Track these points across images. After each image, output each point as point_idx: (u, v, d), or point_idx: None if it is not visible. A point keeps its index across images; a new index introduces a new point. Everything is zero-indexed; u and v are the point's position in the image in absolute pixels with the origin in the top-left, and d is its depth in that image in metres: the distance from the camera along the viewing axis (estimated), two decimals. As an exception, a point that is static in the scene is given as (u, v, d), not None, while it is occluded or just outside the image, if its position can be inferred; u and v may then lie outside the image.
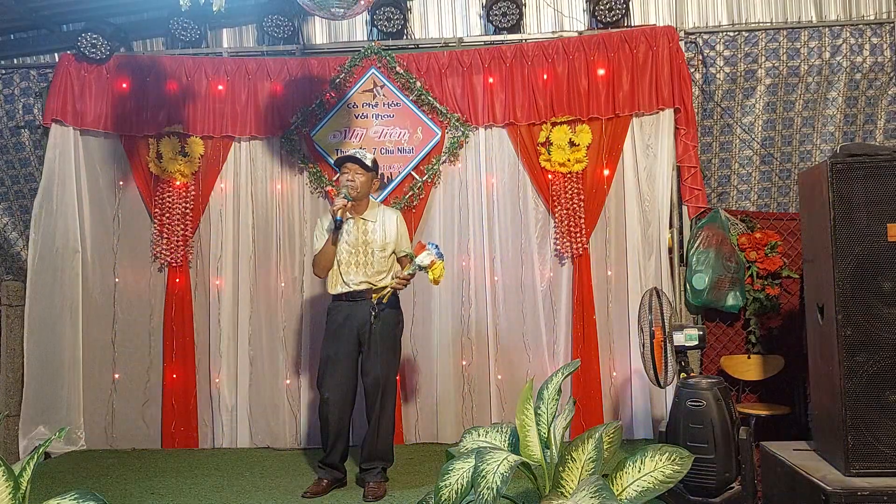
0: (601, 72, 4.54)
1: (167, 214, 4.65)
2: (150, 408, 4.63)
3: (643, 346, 3.43)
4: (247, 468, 4.10)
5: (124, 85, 4.70)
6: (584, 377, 4.45)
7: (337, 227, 3.46)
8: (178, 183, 4.66)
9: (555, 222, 4.55)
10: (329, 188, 4.48)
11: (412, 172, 4.63)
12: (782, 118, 4.70)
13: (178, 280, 4.64)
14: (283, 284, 4.66)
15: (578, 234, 4.50)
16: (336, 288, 3.59)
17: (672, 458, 2.20)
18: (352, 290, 3.55)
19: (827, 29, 4.61)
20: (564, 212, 4.52)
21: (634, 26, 4.75)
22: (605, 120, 4.55)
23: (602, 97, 4.53)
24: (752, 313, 4.38)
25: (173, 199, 4.66)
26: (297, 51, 4.84)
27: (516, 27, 4.74)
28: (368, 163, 3.58)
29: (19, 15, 4.66)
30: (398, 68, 4.63)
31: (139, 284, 4.71)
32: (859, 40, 4.59)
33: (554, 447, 2.37)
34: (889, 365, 2.71)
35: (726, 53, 4.65)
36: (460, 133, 4.61)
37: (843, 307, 2.75)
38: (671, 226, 4.58)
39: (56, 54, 4.88)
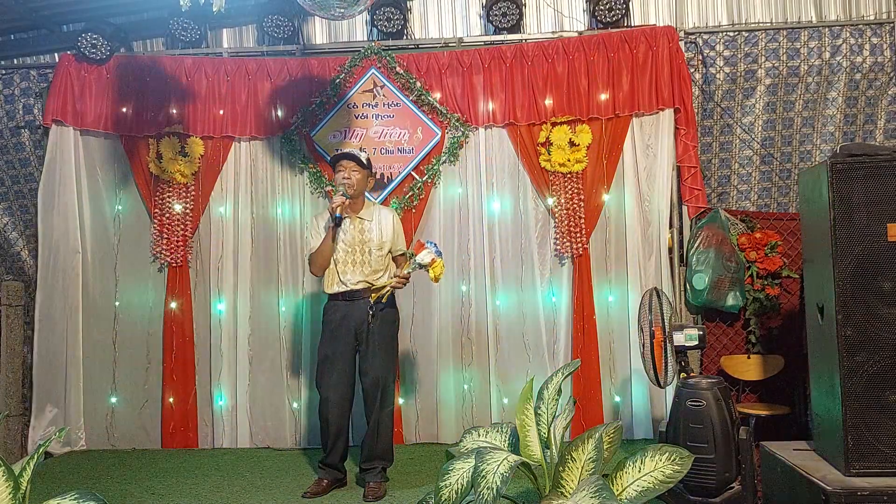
0: (601, 72, 4.54)
1: (167, 214, 4.66)
2: (150, 408, 4.63)
3: (643, 346, 3.43)
4: (247, 468, 4.10)
5: (124, 85, 4.70)
6: (584, 377, 4.45)
7: (336, 223, 3.46)
8: (178, 183, 4.67)
9: (555, 222, 4.56)
10: (329, 189, 4.49)
11: (412, 172, 4.63)
12: (782, 118, 4.70)
13: (178, 280, 4.64)
14: (282, 284, 4.66)
15: (578, 234, 4.50)
16: (333, 287, 3.59)
17: (672, 458, 2.20)
18: (349, 289, 3.55)
19: (827, 29, 4.61)
20: (564, 212, 4.52)
21: (634, 26, 4.75)
22: (605, 120, 4.55)
23: (602, 97, 4.54)
24: (752, 313, 4.38)
25: (173, 199, 4.66)
26: (297, 51, 4.85)
27: (516, 27, 4.75)
28: (363, 158, 3.59)
29: (19, 15, 4.67)
30: (398, 68, 4.63)
31: (139, 284, 4.71)
32: (859, 40, 4.59)
33: (554, 447, 2.37)
34: (889, 365, 2.71)
35: (726, 53, 4.65)
36: (460, 133, 4.61)
37: (843, 307, 2.75)
38: (671, 226, 4.59)
39: (56, 54, 4.88)
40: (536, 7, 4.94)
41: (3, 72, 4.85)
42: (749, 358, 4.37)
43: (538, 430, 2.38)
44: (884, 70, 4.59)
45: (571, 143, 4.53)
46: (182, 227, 4.65)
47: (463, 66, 4.63)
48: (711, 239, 4.34)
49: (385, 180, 4.64)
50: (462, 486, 2.18)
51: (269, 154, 4.73)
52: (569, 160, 4.51)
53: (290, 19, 4.75)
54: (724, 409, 3.08)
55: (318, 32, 5.05)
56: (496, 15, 4.67)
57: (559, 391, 2.50)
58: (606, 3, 4.62)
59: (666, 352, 3.33)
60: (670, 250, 4.56)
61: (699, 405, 3.08)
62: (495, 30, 4.77)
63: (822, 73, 4.61)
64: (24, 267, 4.87)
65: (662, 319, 3.34)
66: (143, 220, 4.75)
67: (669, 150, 4.53)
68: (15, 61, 5.05)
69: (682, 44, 4.57)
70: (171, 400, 4.59)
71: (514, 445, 2.47)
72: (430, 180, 4.62)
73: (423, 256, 3.42)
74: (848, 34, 4.59)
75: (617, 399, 4.53)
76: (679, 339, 3.34)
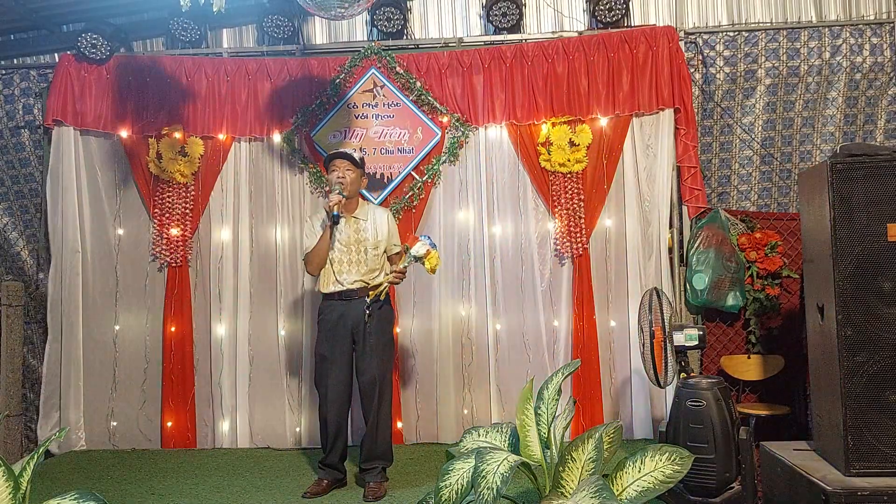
0: (601, 72, 4.54)
1: (167, 214, 4.66)
2: (150, 408, 4.63)
3: (643, 346, 3.43)
4: (247, 468, 4.10)
5: (124, 85, 4.70)
6: (584, 377, 4.45)
7: (334, 221, 3.47)
8: (178, 183, 4.67)
9: (555, 222, 4.56)
10: (328, 189, 4.49)
11: (412, 172, 4.63)
12: (782, 118, 4.70)
13: (177, 280, 4.64)
14: (282, 284, 4.66)
15: (578, 234, 4.50)
16: (329, 287, 3.58)
17: (672, 458, 2.20)
18: (346, 288, 3.55)
19: (827, 29, 4.61)
20: (564, 212, 4.52)
21: (634, 26, 4.75)
22: (605, 120, 4.55)
23: (602, 97, 4.54)
24: (752, 313, 4.38)
25: (173, 199, 4.66)
26: (297, 51, 4.85)
27: (516, 27, 4.75)
28: (356, 157, 3.61)
29: (19, 15, 4.67)
30: (398, 68, 4.63)
31: (139, 284, 4.71)
32: (859, 40, 4.59)
33: (554, 447, 2.37)
34: (889, 365, 2.71)
35: (726, 53, 4.65)
36: (460, 133, 4.61)
37: (843, 307, 2.75)
38: (671, 226, 4.58)
39: (56, 54, 4.88)
40: (536, 7, 4.94)
41: (3, 72, 4.85)
42: (749, 358, 4.37)
43: (538, 430, 2.38)
44: (884, 70, 4.59)
45: (571, 143, 4.53)
46: (182, 227, 4.65)
47: (463, 66, 4.63)
48: (711, 239, 4.34)
49: (385, 180, 4.64)
50: (462, 486, 2.18)
51: (269, 154, 4.73)
52: (569, 160, 4.51)
53: (290, 19, 4.75)
54: (724, 409, 3.08)
55: (318, 32, 5.05)
56: (496, 15, 4.67)
57: (559, 391, 2.50)
58: (606, 3, 4.62)
59: (666, 352, 3.33)
60: (670, 250, 4.56)
61: (699, 405, 3.08)
62: (495, 30, 4.77)
63: (822, 73, 4.61)
64: (24, 267, 4.87)
65: (662, 319, 3.34)
66: (143, 220, 4.75)
67: (669, 150, 4.53)
68: (15, 61, 5.05)
69: (682, 44, 4.57)
70: (170, 400, 4.58)
71: (514, 445, 2.47)
72: (430, 180, 4.62)
73: (418, 248, 3.44)
74: (848, 34, 4.59)
75: (617, 399, 4.52)
76: (679, 339, 3.34)
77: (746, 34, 4.64)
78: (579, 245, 4.50)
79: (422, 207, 4.61)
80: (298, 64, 4.70)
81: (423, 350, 4.59)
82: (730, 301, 4.30)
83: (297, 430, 4.58)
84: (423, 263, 3.48)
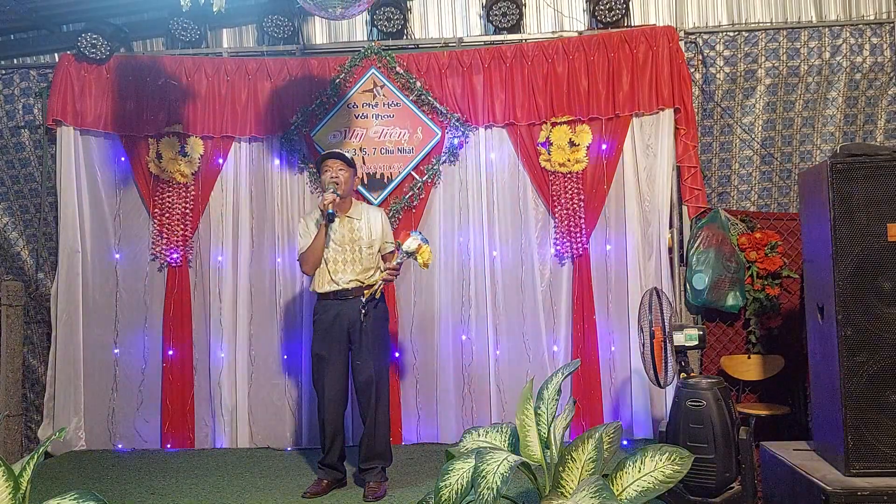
0: (601, 72, 4.54)
1: (167, 214, 4.66)
2: (150, 408, 4.63)
3: (643, 346, 3.43)
4: (247, 468, 4.10)
5: (124, 85, 4.70)
6: (584, 377, 4.45)
7: (329, 220, 3.47)
8: (178, 183, 4.67)
9: (555, 222, 4.56)
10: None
11: (412, 172, 4.63)
12: (782, 118, 4.70)
13: (177, 280, 4.64)
14: (282, 284, 4.66)
15: (578, 234, 4.50)
16: (324, 287, 3.58)
17: (672, 458, 2.20)
18: (341, 288, 3.55)
19: (827, 29, 4.61)
20: (564, 212, 4.52)
21: (634, 26, 4.75)
22: (605, 120, 4.55)
23: (602, 97, 4.54)
24: (752, 313, 4.38)
25: (173, 199, 4.66)
26: (297, 51, 4.85)
27: (516, 27, 4.75)
28: (348, 157, 3.62)
29: (19, 15, 4.67)
30: (398, 68, 4.63)
31: (139, 284, 4.71)
32: (859, 40, 4.59)
33: (554, 447, 2.37)
34: (889, 365, 2.71)
35: (726, 53, 4.65)
36: (460, 133, 4.61)
37: (843, 307, 2.75)
38: (671, 226, 4.58)
39: (56, 54, 4.88)
40: (536, 7, 4.94)
41: (3, 72, 4.85)
42: (749, 358, 4.37)
43: (538, 430, 2.38)
44: (884, 70, 4.59)
45: (571, 143, 4.53)
46: (182, 227, 4.65)
47: (463, 66, 4.63)
48: (711, 239, 4.34)
49: (385, 180, 4.64)
50: (462, 486, 2.18)
51: (269, 154, 4.73)
52: (569, 160, 4.51)
53: (290, 19, 4.75)
54: (724, 409, 3.08)
55: (318, 32, 5.05)
56: (496, 15, 4.67)
57: (559, 391, 2.50)
58: (606, 3, 4.62)
59: (666, 352, 3.33)
60: (670, 250, 4.56)
61: (699, 405, 3.08)
62: (495, 30, 4.77)
63: (822, 73, 4.61)
64: (24, 267, 4.87)
65: (662, 319, 3.34)
66: (143, 220, 4.75)
67: (669, 150, 4.52)
68: (15, 61, 5.05)
69: (682, 44, 4.57)
70: (170, 400, 4.58)
71: (514, 445, 2.47)
72: (430, 180, 4.62)
73: (409, 243, 3.46)
74: (848, 34, 4.59)
75: (617, 399, 4.52)
76: (679, 339, 3.34)
77: (746, 34, 4.64)
78: (579, 245, 4.50)
79: (422, 207, 4.61)
80: (298, 64, 4.70)
81: (423, 350, 4.59)
82: (730, 301, 4.30)
83: (297, 430, 4.58)
84: (416, 258, 3.49)
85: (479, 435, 2.58)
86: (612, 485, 2.18)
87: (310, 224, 3.65)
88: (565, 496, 2.17)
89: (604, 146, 4.55)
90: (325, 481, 3.58)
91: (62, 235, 4.63)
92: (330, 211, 3.45)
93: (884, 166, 2.76)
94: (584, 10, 4.90)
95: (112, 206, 4.75)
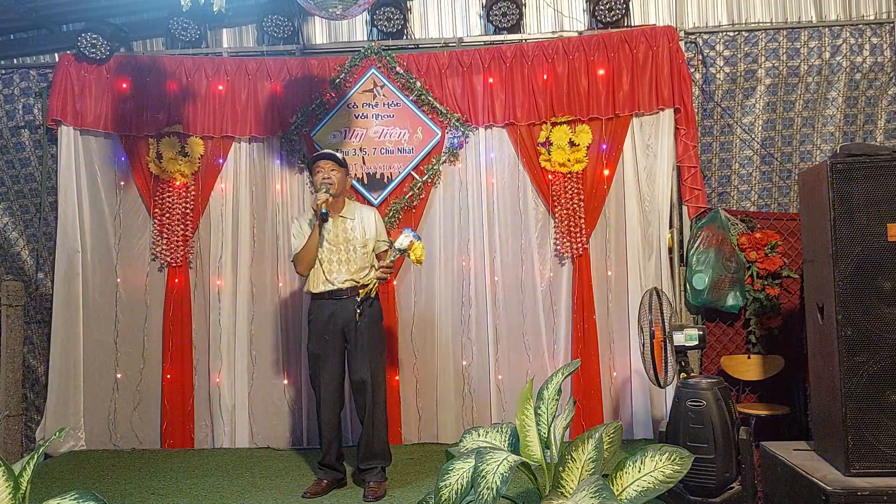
0: (601, 72, 4.54)
1: (167, 214, 4.66)
2: (150, 408, 4.63)
3: (643, 346, 3.43)
4: (247, 468, 4.10)
5: (124, 85, 4.71)
6: (584, 377, 4.45)
7: (323, 220, 3.48)
8: (178, 183, 4.67)
9: (555, 222, 4.56)
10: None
11: (412, 172, 4.63)
12: (782, 118, 4.70)
13: (177, 280, 4.65)
14: (282, 284, 4.66)
15: (578, 234, 4.50)
16: (319, 287, 3.58)
17: (672, 458, 2.20)
18: (336, 287, 3.55)
19: (827, 29, 4.61)
20: (564, 212, 4.52)
21: (634, 26, 4.75)
22: (605, 120, 4.55)
23: (602, 97, 4.53)
24: (752, 313, 4.38)
25: (173, 199, 4.66)
26: (297, 51, 4.84)
27: (516, 27, 4.75)
28: (339, 157, 3.62)
29: (19, 15, 4.67)
30: (398, 68, 4.63)
31: (139, 284, 4.71)
32: (859, 40, 4.59)
33: (554, 447, 2.37)
34: (889, 365, 2.71)
35: (726, 53, 4.65)
36: (460, 133, 4.61)
37: (843, 307, 2.75)
38: (671, 226, 4.58)
39: (56, 54, 4.87)
40: (536, 7, 4.94)
41: (3, 72, 4.85)
42: (749, 358, 4.37)
43: (538, 430, 2.38)
44: (884, 70, 4.59)
45: (571, 143, 4.53)
46: (182, 227, 4.65)
47: (463, 66, 4.63)
48: (711, 239, 4.34)
49: (385, 180, 4.64)
50: (462, 486, 2.18)
51: (269, 154, 4.73)
52: (569, 160, 4.51)
53: (290, 19, 4.75)
54: (724, 409, 3.08)
55: (318, 32, 5.05)
56: (496, 15, 4.67)
57: (559, 391, 2.50)
58: (606, 3, 4.62)
59: (666, 352, 3.33)
60: (670, 250, 4.56)
61: (699, 405, 3.07)
62: (495, 30, 4.77)
63: (822, 73, 4.61)
64: (24, 267, 4.87)
65: (662, 319, 3.34)
66: (143, 220, 4.75)
67: (669, 150, 4.53)
68: (15, 61, 5.05)
69: (682, 44, 4.57)
70: (170, 400, 4.58)
71: (514, 445, 2.47)
72: (430, 180, 4.62)
73: (401, 241, 3.47)
74: (848, 34, 4.59)
75: (617, 399, 4.52)
76: (679, 339, 3.34)
77: (746, 34, 4.64)
78: (579, 245, 4.50)
79: (422, 207, 4.61)
80: (298, 64, 4.70)
81: (423, 350, 4.59)
82: (730, 301, 4.30)
83: (297, 430, 4.58)
84: (409, 256, 3.49)
85: (479, 435, 2.59)
86: (612, 485, 2.18)
87: (303, 224, 3.65)
88: (565, 496, 2.17)
89: (604, 146, 4.55)
90: (325, 481, 3.58)
91: (62, 235, 4.63)
92: (324, 211, 3.46)
93: (884, 166, 2.75)
94: (584, 10, 4.90)
95: (112, 206, 4.75)
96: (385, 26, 4.72)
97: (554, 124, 4.54)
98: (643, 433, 4.42)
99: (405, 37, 4.83)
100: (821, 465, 2.88)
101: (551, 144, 4.52)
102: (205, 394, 4.63)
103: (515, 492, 3.09)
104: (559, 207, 4.53)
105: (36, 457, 2.08)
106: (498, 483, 2.03)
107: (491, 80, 4.61)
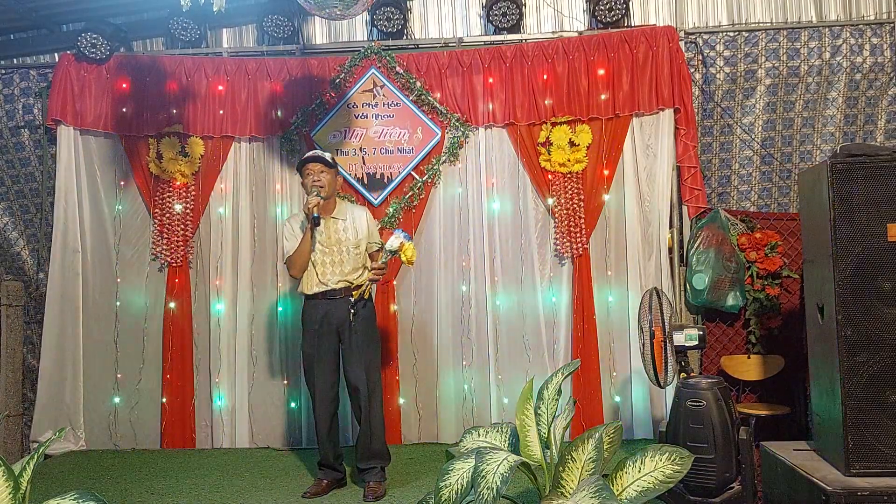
0: (601, 72, 4.54)
1: (167, 214, 4.66)
2: (150, 408, 4.63)
3: (643, 346, 3.43)
4: (247, 468, 4.10)
5: (124, 85, 4.71)
6: (584, 377, 4.45)
7: (315, 223, 3.47)
8: (178, 183, 4.67)
9: (555, 222, 4.56)
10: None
11: (412, 172, 4.63)
12: (782, 118, 4.70)
13: (177, 280, 4.64)
14: (282, 284, 4.66)
15: (578, 234, 4.50)
16: (312, 288, 3.58)
17: (672, 458, 2.20)
18: (329, 288, 3.55)
19: (827, 29, 4.61)
20: (564, 212, 4.52)
21: (634, 26, 4.75)
22: (605, 120, 4.55)
23: (602, 97, 4.54)
24: (752, 313, 4.38)
25: (173, 199, 4.67)
26: (297, 51, 4.84)
27: (516, 27, 4.75)
28: (328, 158, 3.61)
29: (19, 15, 4.67)
30: (398, 68, 4.63)
31: (139, 284, 4.71)
32: (859, 40, 4.59)
33: (554, 447, 2.37)
34: (889, 365, 2.71)
35: (726, 53, 4.65)
36: (460, 133, 4.61)
37: (843, 307, 2.75)
38: (671, 226, 4.59)
39: (56, 54, 4.87)
40: (536, 7, 4.94)
41: (3, 72, 4.85)
42: (749, 358, 4.37)
43: (538, 430, 2.38)
44: (884, 70, 4.59)
45: (571, 143, 4.53)
46: (182, 227, 4.65)
47: (463, 66, 4.63)
48: (711, 239, 4.34)
49: (385, 180, 4.64)
50: (462, 486, 2.18)
51: (269, 154, 4.73)
52: (569, 160, 4.51)
53: (290, 19, 4.75)
54: (724, 409, 3.07)
55: (318, 32, 5.05)
56: (496, 15, 4.67)
57: (559, 391, 2.51)
58: (606, 3, 4.62)
59: (666, 352, 3.33)
60: (670, 250, 4.56)
61: (699, 405, 3.07)
62: (495, 30, 4.77)
63: (822, 74, 4.61)
64: (24, 267, 4.87)
65: (662, 319, 3.34)
66: (143, 220, 4.75)
67: (669, 150, 4.53)
68: (15, 61, 5.05)
69: (682, 44, 4.57)
70: (170, 400, 4.58)
71: (514, 445, 2.47)
72: (430, 180, 4.62)
73: (392, 242, 3.47)
74: (848, 34, 4.59)
75: (617, 399, 4.52)
76: (679, 339, 3.34)
77: (746, 34, 4.64)
78: (579, 245, 4.50)
79: (422, 207, 4.61)
80: (298, 64, 4.70)
81: (423, 350, 4.59)
82: (730, 301, 4.30)
83: (297, 430, 4.58)
84: (399, 256, 3.49)
85: (479, 435, 2.59)
86: (612, 485, 2.18)
87: (294, 227, 3.65)
88: (565, 496, 2.17)
89: (604, 146, 4.55)
90: (325, 481, 3.58)
91: (61, 235, 4.62)
92: (315, 215, 3.45)
93: (884, 166, 2.76)
94: (584, 10, 4.90)
95: (112, 206, 4.75)
96: (385, 26, 4.72)
97: (554, 124, 4.54)
98: (643, 433, 4.42)
99: (405, 37, 4.83)
100: (821, 465, 2.88)
101: (551, 144, 4.52)
102: (205, 394, 4.63)
103: (515, 492, 3.10)
104: (559, 207, 4.52)
105: (36, 457, 2.08)
106: (498, 483, 2.03)
107: (491, 80, 4.61)
